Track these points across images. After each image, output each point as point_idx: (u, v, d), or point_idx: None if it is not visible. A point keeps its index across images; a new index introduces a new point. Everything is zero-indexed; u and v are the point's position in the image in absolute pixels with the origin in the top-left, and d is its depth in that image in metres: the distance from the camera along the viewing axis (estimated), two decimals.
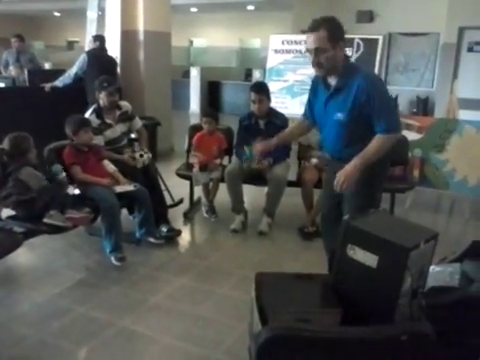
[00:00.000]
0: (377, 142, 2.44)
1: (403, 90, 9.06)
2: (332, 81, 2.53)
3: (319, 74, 2.56)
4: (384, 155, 2.49)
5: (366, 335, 1.63)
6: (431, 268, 2.00)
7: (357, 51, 6.44)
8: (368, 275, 1.79)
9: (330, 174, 2.68)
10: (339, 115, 2.50)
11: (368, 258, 1.79)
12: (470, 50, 8.24)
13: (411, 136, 4.70)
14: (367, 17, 9.22)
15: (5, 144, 3.14)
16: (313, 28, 2.39)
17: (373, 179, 2.56)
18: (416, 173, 4.76)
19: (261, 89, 4.16)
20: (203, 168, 4.21)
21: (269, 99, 4.17)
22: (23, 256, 3.46)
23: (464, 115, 5.70)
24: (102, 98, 3.85)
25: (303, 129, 3.02)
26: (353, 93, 2.43)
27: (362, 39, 6.71)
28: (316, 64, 2.46)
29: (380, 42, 6.77)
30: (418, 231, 1.89)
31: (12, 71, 7.06)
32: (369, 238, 1.80)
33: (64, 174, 3.33)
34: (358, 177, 2.44)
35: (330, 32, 2.36)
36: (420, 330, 1.67)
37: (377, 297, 1.78)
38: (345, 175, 2.43)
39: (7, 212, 3.21)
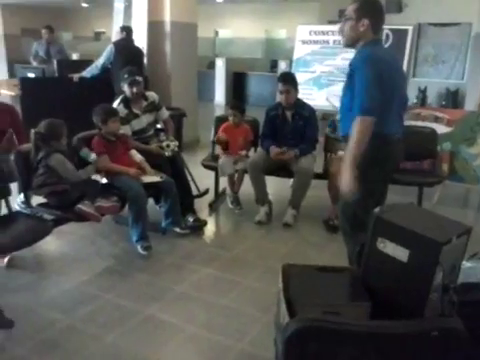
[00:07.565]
0: (354, 127, 2.34)
1: (432, 82, 8.89)
2: None
3: (342, 43, 2.65)
4: (367, 146, 2.33)
5: (396, 330, 1.61)
6: (462, 264, 1.96)
7: (386, 42, 6.33)
8: (398, 269, 1.77)
9: None
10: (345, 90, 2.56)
11: (399, 252, 1.76)
12: None
13: (440, 129, 4.60)
14: (396, 7, 8.99)
15: (40, 127, 3.18)
16: (352, 1, 2.54)
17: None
18: (445, 167, 4.66)
19: (289, 80, 4.14)
20: (225, 147, 4.22)
21: (296, 90, 4.14)
22: (52, 243, 3.54)
23: None
24: (126, 89, 3.88)
25: None
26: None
27: (391, 30, 6.59)
28: (340, 31, 2.60)
29: (409, 33, 6.64)
30: (450, 225, 1.85)
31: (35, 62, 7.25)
32: (400, 232, 1.78)
33: (93, 156, 3.38)
34: (353, 174, 2.31)
35: (360, 5, 2.50)
36: (451, 326, 1.64)
37: (407, 291, 1.76)
38: (342, 183, 2.35)
39: (37, 199, 3.27)
